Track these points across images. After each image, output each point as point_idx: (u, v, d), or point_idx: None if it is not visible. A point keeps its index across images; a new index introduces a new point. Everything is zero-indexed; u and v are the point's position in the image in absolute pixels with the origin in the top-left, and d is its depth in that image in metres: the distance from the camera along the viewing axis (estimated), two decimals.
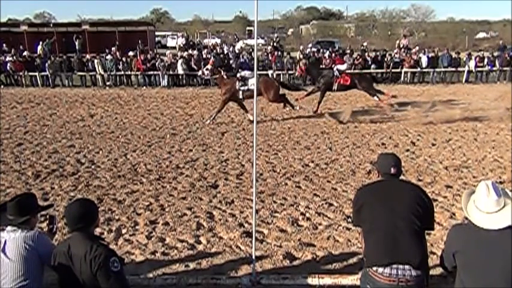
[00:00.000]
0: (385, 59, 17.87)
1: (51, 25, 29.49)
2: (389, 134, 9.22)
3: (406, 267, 2.46)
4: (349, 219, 4.85)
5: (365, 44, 23.93)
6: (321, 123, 10.32)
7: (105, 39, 25.12)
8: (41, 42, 22.52)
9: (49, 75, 17.67)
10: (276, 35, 35.38)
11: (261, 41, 32.61)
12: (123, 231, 4.84)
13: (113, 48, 20.09)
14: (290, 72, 17.21)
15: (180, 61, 17.38)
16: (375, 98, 11.48)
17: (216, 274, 3.93)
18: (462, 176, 6.52)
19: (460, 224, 2.48)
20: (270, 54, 18.76)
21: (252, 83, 10.20)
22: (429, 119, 10.20)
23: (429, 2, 79.12)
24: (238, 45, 28.35)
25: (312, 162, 7.32)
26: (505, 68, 17.34)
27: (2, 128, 10.24)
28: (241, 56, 18.76)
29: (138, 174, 6.78)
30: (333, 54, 17.89)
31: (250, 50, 23.03)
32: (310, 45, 28.25)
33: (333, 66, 11.84)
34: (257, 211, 4.96)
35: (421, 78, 17.96)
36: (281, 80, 17.04)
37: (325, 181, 6.36)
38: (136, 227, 4.93)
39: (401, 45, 21.49)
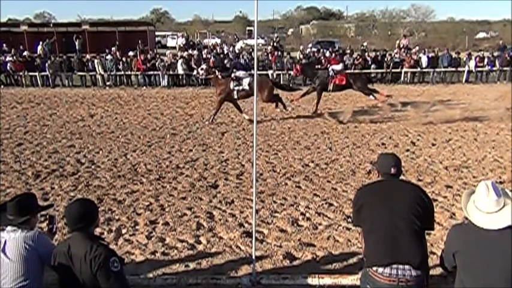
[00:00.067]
0: (385, 59, 17.88)
1: (51, 25, 29.48)
2: (390, 134, 9.22)
3: (406, 267, 2.46)
4: (349, 219, 4.85)
5: (365, 44, 23.93)
6: (321, 123, 10.32)
7: (105, 39, 25.11)
8: (41, 42, 22.53)
9: (49, 75, 17.68)
10: (276, 35, 35.36)
11: (261, 41, 32.62)
12: (123, 231, 4.84)
13: (113, 48, 20.10)
14: (290, 72, 17.19)
15: (180, 61, 17.39)
16: (371, 97, 11.51)
17: (216, 274, 3.93)
18: (462, 176, 6.52)
19: (460, 224, 2.48)
20: (270, 54, 18.76)
21: (247, 83, 10.25)
22: (429, 119, 10.20)
23: (429, 2, 79.20)
24: (238, 45, 28.35)
25: (312, 162, 7.32)
26: (505, 68, 17.35)
27: (2, 128, 10.24)
28: (241, 56, 18.77)
29: (138, 174, 6.78)
30: (333, 54, 17.87)
31: (250, 50, 23.03)
32: (310, 45, 28.26)
33: (328, 66, 11.85)
34: (257, 211, 4.96)
35: (421, 78, 17.97)
36: (280, 80, 17.13)
37: (325, 181, 6.36)
38: (136, 227, 4.93)
39: (401, 45, 21.50)
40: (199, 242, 4.57)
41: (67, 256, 2.47)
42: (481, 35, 39.16)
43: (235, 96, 10.43)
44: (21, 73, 17.76)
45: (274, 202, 5.59)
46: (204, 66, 11.52)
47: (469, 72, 17.54)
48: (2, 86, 17.67)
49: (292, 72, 13.24)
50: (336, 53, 18.73)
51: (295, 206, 5.47)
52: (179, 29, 43.26)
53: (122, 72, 17.79)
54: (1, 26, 28.50)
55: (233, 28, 48.03)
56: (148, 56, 18.33)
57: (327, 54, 18.27)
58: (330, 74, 11.25)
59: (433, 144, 8.33)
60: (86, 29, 27.17)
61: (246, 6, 63.30)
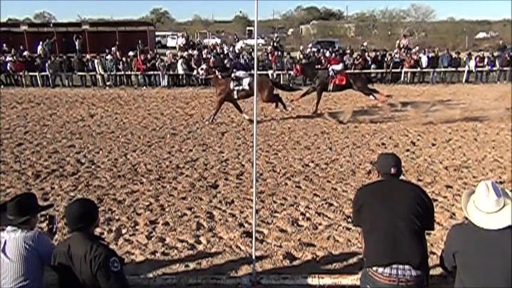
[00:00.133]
0: (385, 59, 17.87)
1: (51, 25, 29.48)
2: (390, 134, 9.22)
3: (406, 267, 2.46)
4: (349, 219, 4.85)
5: (365, 44, 23.93)
6: (321, 123, 10.32)
7: (105, 39, 25.12)
8: (41, 42, 22.53)
9: (49, 75, 17.68)
10: (276, 35, 35.36)
11: (261, 41, 32.62)
12: (123, 231, 4.84)
13: (113, 48, 20.11)
14: (290, 72, 17.19)
15: (180, 61, 17.39)
16: (371, 97, 11.51)
17: (216, 274, 3.93)
18: (462, 176, 6.52)
19: (460, 224, 2.48)
20: (270, 54, 18.76)
21: (246, 83, 10.26)
22: (429, 119, 10.20)
23: (429, 2, 79.24)
24: (238, 45, 28.35)
25: (312, 162, 7.32)
26: (505, 68, 17.35)
27: (2, 128, 10.24)
28: (241, 56, 18.77)
29: (138, 174, 6.78)
30: (333, 54, 17.88)
31: (250, 50, 23.04)
32: (310, 45, 28.27)
33: (328, 66, 11.85)
34: (257, 211, 4.96)
35: (421, 78, 17.97)
36: (281, 80, 17.13)
37: (325, 181, 6.36)
38: (136, 227, 4.93)
39: (401, 45, 21.49)
40: (199, 242, 4.57)
41: (67, 256, 2.47)
42: (481, 35, 39.16)
43: (235, 96, 10.44)
44: (21, 73, 17.77)
45: (274, 202, 5.59)
46: (204, 66, 11.53)
47: (469, 72, 17.54)
48: (2, 86, 17.67)
49: (292, 72, 13.23)
50: (336, 53, 18.74)
51: (295, 206, 5.47)
52: (179, 29, 43.26)
53: (122, 72, 17.79)
54: (1, 26, 28.51)
55: (233, 28, 48.04)
56: (148, 56, 18.33)
57: (327, 54, 18.27)
58: (330, 74, 11.25)
59: (433, 144, 8.33)
60: (86, 29, 27.17)
61: (246, 6, 63.38)
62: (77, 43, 25.67)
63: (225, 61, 16.45)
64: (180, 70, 17.27)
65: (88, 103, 13.71)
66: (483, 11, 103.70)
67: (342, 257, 4.21)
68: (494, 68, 17.49)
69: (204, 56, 18.81)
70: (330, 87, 11.27)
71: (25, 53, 19.89)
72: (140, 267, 4.10)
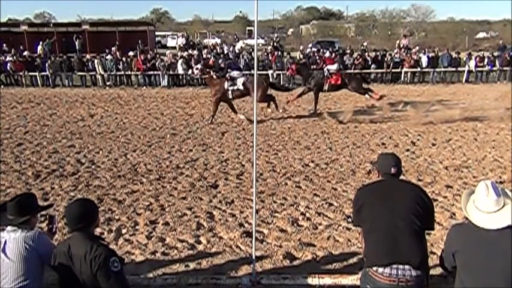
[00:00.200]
0: (385, 59, 17.87)
1: (51, 25, 29.48)
2: (390, 134, 9.22)
3: (406, 267, 2.46)
4: (349, 219, 4.85)
5: (365, 44, 23.93)
6: (321, 123, 10.32)
7: (105, 39, 25.12)
8: (41, 42, 22.54)
9: (49, 75, 17.68)
10: (276, 35, 35.35)
11: (261, 41, 32.62)
12: (123, 231, 4.84)
13: (113, 48, 20.11)
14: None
15: (180, 61, 17.39)
16: (367, 96, 11.53)
17: (216, 274, 3.93)
18: (462, 176, 6.52)
19: (460, 224, 2.48)
20: (270, 54, 18.76)
21: (241, 83, 10.28)
22: (429, 119, 10.20)
23: (429, 2, 79.28)
24: (238, 45, 28.35)
25: (312, 162, 7.32)
26: (505, 68, 17.35)
27: (2, 128, 10.24)
28: (241, 56, 18.77)
29: (138, 174, 6.78)
30: (333, 54, 17.89)
31: (250, 50, 23.04)
32: (310, 45, 28.27)
33: (323, 66, 11.84)
34: (257, 211, 4.96)
35: (421, 78, 17.97)
36: (280, 80, 17.13)
37: (325, 181, 6.36)
38: (137, 227, 4.93)
39: (401, 45, 21.50)
40: (199, 242, 4.57)
41: (67, 256, 2.47)
42: (481, 35, 39.17)
43: (230, 96, 10.46)
44: (21, 73, 17.77)
45: (274, 202, 5.59)
46: (199, 65, 11.54)
47: (469, 72, 17.54)
48: (2, 86, 17.67)
49: (288, 72, 13.23)
50: (336, 53, 18.75)
51: (295, 206, 5.47)
52: (179, 29, 43.26)
53: (122, 72, 17.79)
54: (1, 26, 28.51)
55: (233, 28, 48.05)
56: (148, 56, 18.33)
57: (327, 54, 18.27)
58: (325, 74, 11.26)
59: (433, 144, 8.33)
60: (86, 29, 27.17)
61: (246, 6, 63.38)
62: (77, 43, 25.68)
63: (220, 61, 16.43)
64: (180, 70, 17.27)
65: (88, 103, 13.71)
66: (483, 11, 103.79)
67: (342, 257, 4.21)
68: (494, 68, 17.49)
69: (204, 56, 18.80)
70: (326, 87, 11.29)
71: (25, 53, 19.90)
72: (140, 267, 4.10)
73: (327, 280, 3.73)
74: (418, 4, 54.90)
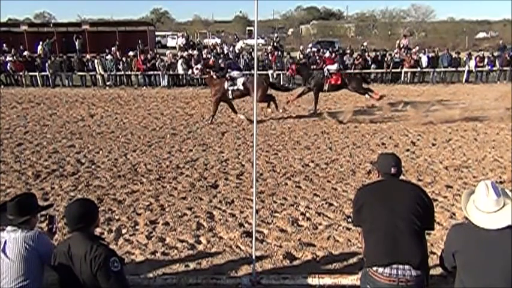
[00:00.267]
0: (385, 59, 17.87)
1: (51, 25, 29.48)
2: (390, 134, 9.22)
3: (406, 267, 2.46)
4: (349, 219, 4.85)
5: (365, 44, 23.93)
6: (321, 123, 10.32)
7: (105, 39, 25.12)
8: (41, 42, 22.54)
9: (49, 75, 17.68)
10: (276, 35, 35.35)
11: (261, 41, 32.62)
12: (123, 231, 4.84)
13: (113, 48, 20.11)
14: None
15: (180, 61, 17.39)
16: (366, 96, 11.52)
17: (216, 274, 3.93)
18: (462, 176, 6.52)
19: (460, 224, 2.48)
20: (270, 54, 18.76)
21: (241, 83, 10.29)
22: (429, 119, 10.20)
23: (429, 2, 79.30)
24: (238, 45, 28.36)
25: (312, 162, 7.32)
26: (505, 68, 17.35)
27: (2, 128, 10.24)
28: (241, 56, 18.77)
29: (138, 174, 6.78)
30: (333, 54, 17.89)
31: (250, 50, 23.04)
32: (310, 45, 28.27)
33: (323, 66, 11.83)
34: (257, 211, 4.96)
35: (421, 78, 17.97)
36: (280, 80, 17.12)
37: (325, 181, 6.36)
38: (137, 227, 4.93)
39: (401, 45, 21.50)
40: (199, 242, 4.57)
41: (67, 256, 2.47)
42: (481, 35, 39.17)
43: (230, 96, 10.47)
44: (21, 73, 17.77)
45: (274, 202, 5.59)
46: (199, 65, 11.54)
47: (469, 72, 17.54)
48: (2, 86, 17.67)
49: (288, 72, 13.24)
50: (336, 53, 18.74)
51: (295, 206, 5.47)
52: (179, 29, 43.27)
53: (122, 72, 17.79)
54: (1, 26, 28.52)
55: (233, 28, 48.05)
56: (148, 56, 18.33)
57: (327, 54, 18.27)
58: (325, 74, 11.26)
59: (433, 144, 8.33)
60: (86, 29, 27.17)
61: (246, 6, 63.38)
62: (77, 43, 25.68)
63: (220, 61, 16.42)
64: (180, 70, 17.27)
65: (88, 103, 13.71)
66: (483, 11, 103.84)
67: (342, 257, 4.21)
68: (494, 68, 17.49)
69: (204, 56, 18.80)
70: (325, 87, 11.28)
71: (25, 53, 19.89)
72: (140, 267, 4.11)
73: (327, 280, 3.73)
74: (418, 4, 54.96)
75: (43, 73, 17.71)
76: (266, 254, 4.31)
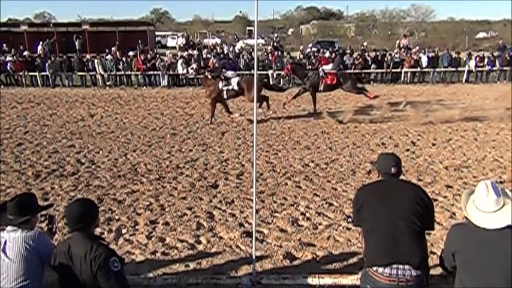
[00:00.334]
0: (385, 59, 17.86)
1: (51, 25, 29.49)
2: (390, 134, 9.22)
3: (406, 267, 2.46)
4: (349, 219, 4.85)
5: (365, 44, 23.91)
6: (321, 123, 10.32)
7: (105, 39, 25.13)
8: (41, 42, 22.53)
9: (49, 75, 17.68)
10: (276, 35, 35.36)
11: (261, 41, 32.63)
12: (123, 231, 4.84)
13: (113, 48, 20.11)
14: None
15: (180, 61, 17.38)
16: (362, 95, 11.50)
17: (216, 274, 3.93)
18: (462, 176, 6.52)
19: (460, 224, 2.48)
20: (270, 54, 18.75)
21: (235, 83, 10.30)
22: (429, 119, 10.20)
23: (429, 2, 79.34)
24: (238, 45, 28.37)
25: (312, 162, 7.32)
26: (505, 68, 17.34)
27: (2, 128, 10.24)
28: (241, 56, 18.77)
29: (138, 174, 6.78)
30: (333, 54, 17.90)
31: (250, 50, 23.03)
32: (310, 45, 28.26)
33: (319, 66, 11.83)
34: (257, 211, 4.96)
35: (421, 78, 17.97)
36: (280, 80, 17.11)
37: (325, 181, 6.37)
38: (137, 227, 4.94)
39: (401, 45, 21.49)
40: (200, 242, 4.58)
41: (67, 256, 2.47)
42: (481, 35, 39.17)
43: (225, 96, 10.48)
44: (21, 73, 17.76)
45: (274, 202, 5.60)
46: (194, 65, 11.56)
47: (469, 72, 17.54)
48: (2, 86, 17.67)
49: (283, 72, 13.24)
50: (336, 53, 18.74)
51: (295, 205, 5.47)
52: (179, 29, 43.28)
53: (122, 72, 17.79)
54: (1, 26, 28.52)
55: (233, 28, 48.06)
56: (148, 56, 18.32)
57: (327, 54, 18.28)
58: (320, 74, 11.24)
59: (433, 144, 8.33)
60: (86, 29, 27.17)
61: (246, 6, 63.38)
62: (77, 43, 25.68)
63: (214, 60, 16.42)
64: (180, 70, 17.26)
65: (88, 103, 13.71)
66: (483, 11, 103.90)
67: (342, 257, 4.21)
68: (494, 68, 17.48)
69: (204, 56, 18.81)
70: (321, 87, 11.26)
71: (25, 53, 19.89)
72: (140, 267, 4.11)
73: (327, 280, 3.73)
74: (418, 4, 54.98)
75: (43, 73, 17.70)
76: (266, 254, 4.31)
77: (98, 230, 4.42)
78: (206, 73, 10.99)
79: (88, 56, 18.83)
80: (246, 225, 4.91)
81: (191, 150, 8.13)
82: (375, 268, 2.51)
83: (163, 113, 11.86)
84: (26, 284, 2.61)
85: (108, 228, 4.88)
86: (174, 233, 4.78)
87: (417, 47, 20.44)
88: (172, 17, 60.53)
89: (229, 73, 10.67)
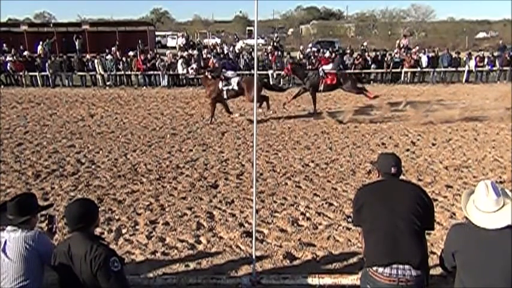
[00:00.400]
0: (385, 59, 17.86)
1: (51, 25, 29.49)
2: (390, 134, 9.22)
3: (406, 267, 2.46)
4: (349, 219, 4.85)
5: (365, 44, 23.92)
6: (321, 123, 10.32)
7: (105, 39, 25.13)
8: (41, 42, 22.54)
9: (49, 75, 17.68)
10: (276, 35, 35.36)
11: (261, 41, 32.62)
12: (123, 231, 4.84)
13: (113, 48, 20.11)
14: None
15: (180, 61, 17.38)
16: (362, 95, 11.50)
17: (216, 274, 3.93)
18: (462, 176, 6.52)
19: (460, 224, 2.48)
20: (270, 54, 18.75)
21: (235, 83, 10.30)
22: (429, 119, 10.20)
23: (429, 2, 79.36)
24: (238, 45, 28.37)
25: (312, 162, 7.32)
26: (505, 68, 17.34)
27: (2, 128, 10.24)
28: (241, 56, 18.77)
29: (138, 174, 6.78)
30: (333, 54, 17.90)
31: (250, 50, 23.03)
32: (310, 45, 28.26)
33: (318, 66, 11.83)
34: (257, 211, 4.96)
35: (421, 78, 17.97)
36: (280, 80, 17.11)
37: (325, 181, 6.37)
38: (137, 227, 4.94)
39: (401, 45, 21.50)
40: (200, 242, 4.58)
41: (67, 256, 2.47)
42: (481, 35, 39.17)
43: (225, 96, 10.48)
44: (21, 73, 17.76)
45: (274, 202, 5.60)
46: (194, 65, 11.55)
47: (469, 72, 17.54)
48: (2, 86, 17.67)
49: (283, 72, 13.24)
50: (336, 53, 18.75)
51: (295, 205, 5.47)
52: (179, 29, 43.29)
53: (122, 72, 17.79)
54: (1, 26, 28.52)
55: (233, 28, 48.06)
56: (148, 56, 18.32)
57: (327, 54, 18.28)
58: (320, 74, 11.24)
59: (433, 144, 8.33)
60: (86, 29, 27.18)
61: (246, 6, 63.38)
62: (77, 43, 25.68)
63: (214, 60, 16.41)
64: (180, 70, 17.26)
65: (88, 103, 13.71)
66: (483, 11, 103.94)
67: (342, 257, 4.21)
68: (494, 68, 17.48)
69: (204, 56, 18.80)
70: (321, 87, 11.26)
71: (25, 53, 19.89)
72: (140, 267, 4.11)
73: (327, 280, 3.73)
74: (418, 4, 54.98)
75: (43, 73, 17.71)
76: (266, 254, 4.31)
77: (98, 230, 4.42)
78: (206, 73, 10.99)
79: (88, 56, 18.84)
80: (246, 225, 4.91)
81: (191, 150, 8.13)
82: (375, 268, 2.51)
83: (163, 113, 11.86)
84: (26, 284, 2.61)
85: (108, 228, 4.88)
86: (174, 233, 4.78)
87: (417, 47, 20.44)
88: (172, 17, 60.62)
89: (229, 73, 10.67)
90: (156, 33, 35.51)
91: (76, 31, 27.28)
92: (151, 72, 17.54)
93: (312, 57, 18.08)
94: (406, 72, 17.68)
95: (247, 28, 44.94)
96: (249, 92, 10.19)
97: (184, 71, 12.52)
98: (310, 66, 14.37)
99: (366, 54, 19.17)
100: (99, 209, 3.13)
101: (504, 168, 6.87)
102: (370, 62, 17.92)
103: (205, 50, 21.30)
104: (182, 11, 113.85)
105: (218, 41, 34.09)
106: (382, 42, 32.74)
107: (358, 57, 18.05)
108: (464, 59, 17.78)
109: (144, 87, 17.24)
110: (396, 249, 2.48)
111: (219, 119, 10.66)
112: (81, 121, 10.99)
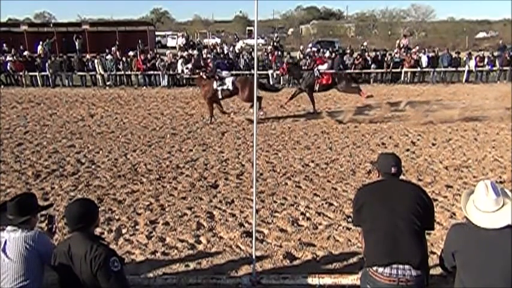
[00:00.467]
0: (385, 59, 17.86)
1: (51, 25, 29.49)
2: (390, 134, 9.22)
3: (406, 267, 2.47)
4: (349, 219, 4.85)
5: (365, 44, 23.90)
6: (321, 123, 10.32)
7: (105, 39, 25.13)
8: (41, 42, 22.52)
9: (49, 75, 17.68)
10: (276, 35, 35.36)
11: (261, 41, 32.62)
12: (123, 231, 4.84)
13: (113, 48, 20.10)
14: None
15: (180, 61, 17.37)
16: (357, 94, 11.49)
17: (216, 274, 3.93)
18: (462, 176, 6.52)
19: (460, 224, 2.48)
20: (270, 54, 18.76)
21: (230, 82, 10.27)
22: (429, 119, 10.20)
23: (429, 2, 79.34)
24: (238, 45, 28.36)
25: (312, 162, 7.32)
26: (505, 68, 17.35)
27: (2, 128, 10.24)
28: (241, 56, 18.77)
29: (138, 174, 6.78)
30: (333, 54, 17.90)
31: (250, 49, 23.03)
32: (310, 45, 28.24)
33: (314, 66, 11.85)
34: (257, 211, 4.95)
35: (421, 78, 17.97)
36: (280, 80, 17.11)
37: (325, 181, 6.37)
38: (137, 227, 4.94)
39: (401, 45, 21.49)
40: (200, 242, 4.58)
41: (67, 256, 2.47)
42: (481, 34, 39.18)
43: (220, 96, 10.46)
44: (21, 73, 17.76)
45: (274, 202, 5.60)
46: (189, 65, 11.54)
47: (469, 72, 17.54)
48: (2, 86, 17.67)
49: (278, 72, 13.23)
50: (336, 53, 18.75)
51: (295, 205, 5.47)
52: (179, 29, 43.30)
53: (122, 72, 17.79)
54: (1, 26, 28.51)
55: (233, 28, 48.08)
56: (149, 56, 18.32)
57: (327, 54, 18.28)
58: (316, 74, 11.24)
59: (433, 144, 8.33)
60: (86, 29, 27.17)
61: (246, 6, 63.41)
62: (77, 43, 25.69)
63: (209, 60, 16.41)
64: (180, 70, 17.25)
65: (88, 103, 13.71)
66: (483, 11, 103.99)
67: (342, 257, 4.21)
68: (494, 68, 17.48)
69: (204, 56, 18.79)
70: (316, 87, 11.26)
71: (25, 53, 19.87)
72: (140, 267, 4.11)
73: (327, 280, 3.73)
74: (418, 4, 54.98)
75: (43, 73, 17.70)
76: (266, 253, 4.31)
77: (98, 230, 4.42)
78: (201, 73, 10.96)
79: (88, 56, 18.83)
80: (246, 225, 4.91)
81: (191, 150, 8.13)
82: (375, 268, 2.51)
83: (163, 113, 11.86)
84: (26, 284, 2.61)
85: (108, 228, 4.88)
86: (174, 233, 4.78)
87: (417, 47, 20.44)
88: (172, 17, 60.65)
89: (224, 73, 10.66)
90: (156, 33, 35.51)
91: (76, 31, 27.28)
92: (151, 72, 17.54)
93: (312, 57, 18.07)
94: (406, 72, 17.68)
95: (247, 28, 44.94)
96: (242, 91, 10.19)
97: (180, 70, 12.49)
98: (306, 67, 14.37)
99: (366, 54, 19.16)
100: (99, 209, 3.13)
101: (504, 168, 6.87)
102: (370, 62, 17.92)
103: (205, 50, 21.30)
104: (182, 11, 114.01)
105: (218, 41, 34.10)
106: (382, 42, 32.73)
107: (358, 57, 18.05)
108: (464, 59, 17.79)
109: (144, 87, 17.24)
110: (396, 249, 2.48)
111: (219, 119, 10.65)
112: (81, 121, 10.99)
